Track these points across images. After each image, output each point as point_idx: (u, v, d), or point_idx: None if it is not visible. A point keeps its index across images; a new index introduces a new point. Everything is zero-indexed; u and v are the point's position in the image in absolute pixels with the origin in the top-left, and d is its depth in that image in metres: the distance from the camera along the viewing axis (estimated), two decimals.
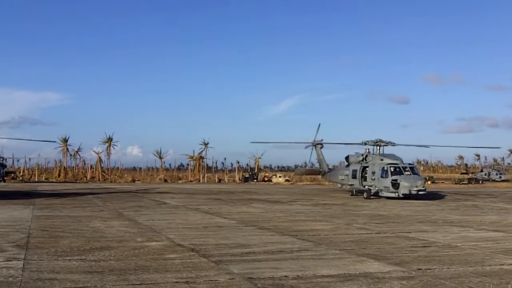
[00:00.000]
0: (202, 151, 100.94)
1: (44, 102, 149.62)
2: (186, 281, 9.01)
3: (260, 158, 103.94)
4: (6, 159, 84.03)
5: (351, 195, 39.07)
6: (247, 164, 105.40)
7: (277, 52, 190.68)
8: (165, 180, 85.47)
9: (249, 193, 44.10)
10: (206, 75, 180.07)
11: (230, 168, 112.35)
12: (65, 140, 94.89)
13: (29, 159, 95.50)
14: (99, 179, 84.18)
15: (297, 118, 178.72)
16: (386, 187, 35.72)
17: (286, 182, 79.83)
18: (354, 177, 38.99)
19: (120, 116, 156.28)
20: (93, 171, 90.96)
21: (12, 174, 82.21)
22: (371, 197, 36.37)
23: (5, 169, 75.94)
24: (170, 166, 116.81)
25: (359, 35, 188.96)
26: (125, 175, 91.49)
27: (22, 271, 9.65)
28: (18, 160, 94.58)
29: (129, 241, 13.98)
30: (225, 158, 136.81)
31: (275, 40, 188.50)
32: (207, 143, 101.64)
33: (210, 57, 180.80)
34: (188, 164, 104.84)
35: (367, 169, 37.89)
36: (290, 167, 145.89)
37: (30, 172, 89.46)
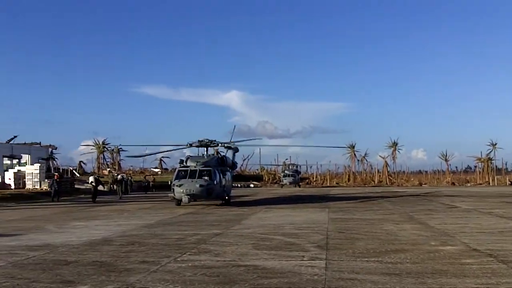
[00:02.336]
0: (490, 152, 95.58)
1: (332, 112, 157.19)
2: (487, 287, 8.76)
3: None
4: (300, 165, 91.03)
5: None
6: None
7: None
8: (453, 183, 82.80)
9: None
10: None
11: None
12: (352, 147, 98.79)
13: (321, 165, 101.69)
14: (386, 183, 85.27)
15: None
16: None
17: None
18: None
19: (404, 120, 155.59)
20: (380, 175, 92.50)
21: (307, 180, 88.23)
22: None
23: (300, 175, 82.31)
24: (457, 169, 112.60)
25: None
26: (411, 179, 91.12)
27: (325, 270, 10.37)
28: (310, 167, 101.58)
29: (423, 245, 13.97)
30: None
31: None
32: (495, 144, 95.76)
33: None
34: (475, 166, 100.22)
35: None
36: None
37: (322, 177, 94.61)
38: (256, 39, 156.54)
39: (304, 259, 11.76)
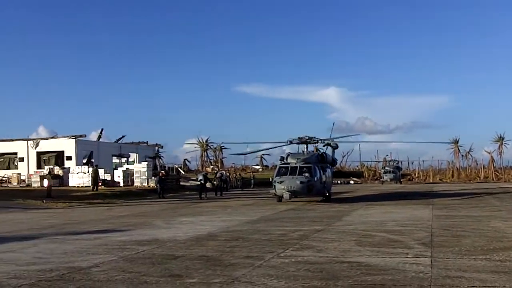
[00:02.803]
0: None
1: (434, 106, 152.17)
2: None
3: None
4: (401, 162, 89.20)
5: None
6: None
7: None
8: None
9: None
10: None
11: None
12: (456, 142, 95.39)
13: (423, 161, 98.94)
14: (492, 179, 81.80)
15: None
16: None
17: None
18: None
19: (510, 114, 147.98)
20: (485, 171, 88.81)
21: (408, 176, 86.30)
22: None
23: (401, 171, 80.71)
24: None
25: None
26: None
27: (431, 268, 10.18)
28: (412, 163, 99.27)
29: None
30: None
31: None
32: None
33: None
34: None
35: None
36: None
37: (424, 174, 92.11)
38: (355, 34, 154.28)
39: (408, 256, 11.60)
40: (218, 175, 43.92)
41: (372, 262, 10.90)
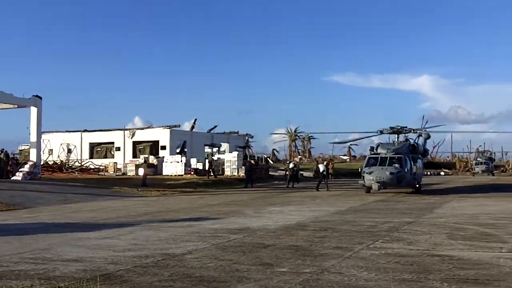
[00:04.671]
0: None
1: None
2: None
3: None
4: (494, 153, 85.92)
5: None
6: None
7: None
8: None
9: None
10: None
11: None
12: None
13: None
14: None
15: None
16: None
17: None
18: None
19: None
20: None
21: (502, 168, 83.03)
22: None
23: (494, 163, 77.80)
24: None
25: None
26: None
27: None
28: (506, 153, 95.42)
29: None
30: None
31: None
32: None
33: None
34: None
35: None
36: None
37: None
38: (446, 19, 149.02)
39: (503, 250, 11.29)
40: (290, 166, 43.37)
41: (464, 256, 10.69)
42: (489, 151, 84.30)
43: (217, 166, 47.94)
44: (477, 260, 10.18)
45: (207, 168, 45.94)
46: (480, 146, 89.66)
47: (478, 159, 76.97)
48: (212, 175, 44.45)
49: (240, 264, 10.09)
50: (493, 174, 71.10)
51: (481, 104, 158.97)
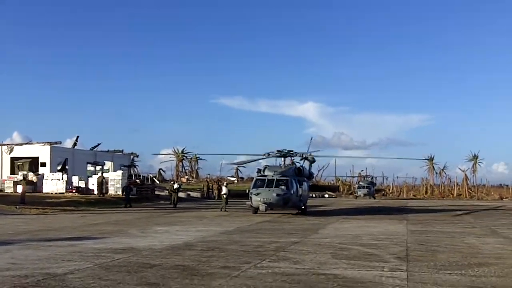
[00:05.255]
0: None
1: (410, 124, 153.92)
2: None
3: None
4: (375, 177, 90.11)
5: None
6: None
7: None
8: None
9: None
10: None
11: None
12: (431, 159, 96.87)
13: (397, 177, 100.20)
14: (465, 196, 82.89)
15: None
16: None
17: None
18: None
19: (485, 133, 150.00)
20: (459, 188, 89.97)
21: (382, 192, 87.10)
22: None
23: (375, 187, 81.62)
24: None
25: None
26: (492, 193, 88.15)
27: (407, 281, 10.25)
28: (387, 178, 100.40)
29: (507, 259, 13.56)
30: None
31: None
32: None
33: None
34: None
35: None
36: None
37: (398, 189, 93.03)
38: (333, 50, 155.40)
39: (385, 269, 11.67)
40: (175, 186, 42.98)
41: (348, 274, 10.94)
42: (371, 175, 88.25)
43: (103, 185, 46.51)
44: (360, 279, 10.44)
45: (96, 187, 45.00)
46: (362, 170, 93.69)
47: (361, 183, 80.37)
48: (102, 194, 43.52)
49: (124, 284, 9.72)
50: (374, 198, 74.23)
51: (363, 132, 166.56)
